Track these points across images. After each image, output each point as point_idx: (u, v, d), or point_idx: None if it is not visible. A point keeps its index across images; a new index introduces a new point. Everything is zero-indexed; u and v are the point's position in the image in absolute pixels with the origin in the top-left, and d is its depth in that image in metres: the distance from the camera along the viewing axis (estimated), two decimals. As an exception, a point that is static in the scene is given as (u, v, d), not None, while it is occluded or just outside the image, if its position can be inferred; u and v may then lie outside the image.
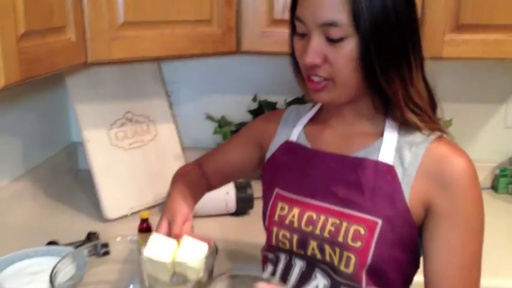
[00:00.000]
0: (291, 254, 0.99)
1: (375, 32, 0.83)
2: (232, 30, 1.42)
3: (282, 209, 0.99)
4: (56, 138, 1.84)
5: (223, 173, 1.18)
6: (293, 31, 0.93)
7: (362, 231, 0.90)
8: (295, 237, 0.96)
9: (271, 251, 1.02)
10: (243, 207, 1.54)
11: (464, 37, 1.35)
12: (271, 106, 1.71)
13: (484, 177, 1.77)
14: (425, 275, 0.91)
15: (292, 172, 1.00)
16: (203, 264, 0.85)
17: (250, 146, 1.14)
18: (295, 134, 1.03)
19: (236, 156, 1.16)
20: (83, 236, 1.36)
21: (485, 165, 1.77)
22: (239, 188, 1.53)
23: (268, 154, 1.07)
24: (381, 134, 0.93)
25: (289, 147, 1.03)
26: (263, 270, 1.04)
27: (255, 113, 1.72)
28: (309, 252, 0.95)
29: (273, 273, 1.01)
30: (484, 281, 0.93)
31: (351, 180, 0.92)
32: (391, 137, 0.92)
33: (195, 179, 1.19)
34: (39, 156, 1.71)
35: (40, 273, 1.19)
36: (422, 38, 1.32)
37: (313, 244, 0.94)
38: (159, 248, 0.87)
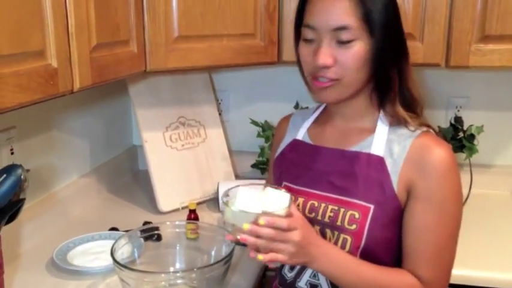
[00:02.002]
0: None
1: (383, 33, 0.94)
2: (274, 43, 1.54)
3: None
4: (119, 141, 1.99)
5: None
6: (297, 39, 1.02)
7: (357, 215, 0.99)
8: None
9: None
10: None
11: (490, 47, 1.40)
12: (312, 113, 1.81)
13: (514, 182, 1.80)
14: (403, 249, 0.99)
15: (297, 166, 1.11)
16: (287, 213, 0.91)
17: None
18: (301, 133, 1.14)
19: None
20: (139, 225, 1.50)
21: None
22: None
23: (278, 152, 1.19)
24: (374, 130, 1.02)
25: (295, 144, 1.14)
26: None
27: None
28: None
29: None
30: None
31: (347, 171, 1.02)
32: (382, 132, 1.01)
33: None
34: (104, 156, 1.87)
35: (102, 253, 1.35)
36: (450, 48, 1.43)
37: (316, 228, 1.03)
38: (248, 200, 0.93)
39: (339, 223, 1.01)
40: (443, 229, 0.97)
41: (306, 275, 1.08)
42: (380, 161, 1.00)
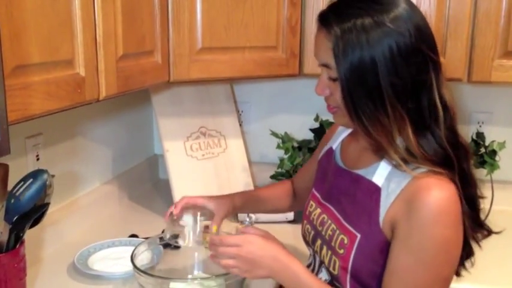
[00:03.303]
0: (309, 246, 1.11)
1: (350, 78, 0.87)
2: (296, 55, 1.55)
3: (311, 206, 1.12)
4: (140, 150, 2.02)
5: (308, 187, 1.22)
6: None
7: (345, 241, 0.97)
8: (312, 233, 1.09)
9: (304, 242, 1.15)
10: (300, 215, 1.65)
11: (513, 63, 1.40)
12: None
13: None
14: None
15: (325, 177, 1.13)
16: None
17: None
18: (336, 143, 1.15)
19: (314, 168, 1.23)
20: (158, 232, 1.52)
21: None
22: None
23: (319, 156, 1.20)
24: (383, 157, 0.94)
25: (329, 154, 1.15)
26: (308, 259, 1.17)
27: (316, 131, 1.83)
28: (315, 248, 1.07)
29: (310, 264, 1.14)
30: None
31: (350, 193, 1.01)
32: (389, 162, 0.93)
33: (271, 192, 1.38)
34: (126, 164, 1.89)
35: (122, 259, 1.37)
36: (472, 63, 1.42)
37: (318, 242, 1.05)
38: None
39: (333, 244, 1.00)
40: (412, 276, 0.88)
41: None
42: (376, 190, 0.94)
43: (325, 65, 0.93)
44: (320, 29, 0.93)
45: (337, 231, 1.00)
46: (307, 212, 1.14)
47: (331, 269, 1.01)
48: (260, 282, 1.29)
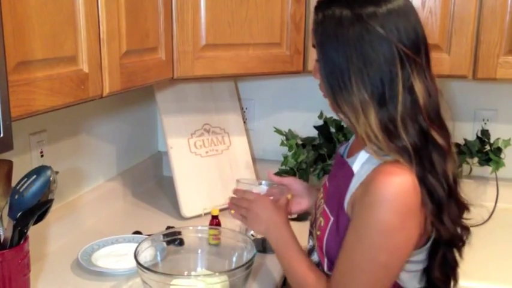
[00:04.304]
0: None
1: (323, 58, 0.96)
2: (300, 52, 1.55)
3: (320, 194, 1.16)
4: (144, 147, 2.03)
5: None
6: None
7: (322, 223, 1.03)
8: (312, 216, 1.16)
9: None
10: (304, 213, 1.64)
11: (518, 60, 1.39)
12: (336, 123, 1.81)
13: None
14: None
15: (333, 167, 1.18)
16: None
17: None
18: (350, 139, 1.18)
19: None
20: (162, 229, 1.52)
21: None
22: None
23: None
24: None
25: (340, 146, 1.20)
26: None
27: (320, 128, 1.83)
28: (313, 230, 1.13)
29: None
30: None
31: (334, 179, 1.08)
32: (366, 151, 0.97)
33: None
34: (130, 161, 1.90)
35: (126, 255, 1.37)
36: (478, 59, 1.42)
37: (314, 224, 1.11)
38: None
39: (316, 225, 1.08)
40: (351, 255, 0.93)
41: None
42: (350, 176, 0.98)
43: (313, 46, 1.00)
44: (315, 10, 1.00)
45: (318, 213, 1.08)
46: (317, 200, 1.19)
47: (316, 250, 1.08)
48: (261, 281, 1.30)
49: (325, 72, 0.96)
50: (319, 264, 1.07)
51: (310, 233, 1.16)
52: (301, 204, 1.31)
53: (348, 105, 0.94)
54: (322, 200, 1.11)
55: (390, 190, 0.88)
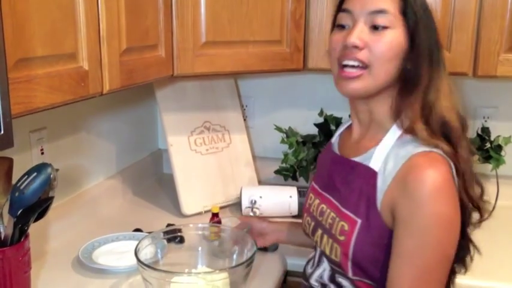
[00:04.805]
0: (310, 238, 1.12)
1: (419, 31, 0.92)
2: (300, 50, 1.55)
3: (311, 198, 1.13)
4: (144, 145, 2.03)
5: None
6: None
7: (346, 227, 0.97)
8: (312, 224, 1.10)
9: (305, 235, 1.16)
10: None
11: (519, 57, 1.38)
12: (336, 121, 1.80)
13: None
14: (387, 277, 0.93)
15: (323, 169, 1.13)
16: None
17: None
18: (335, 137, 1.16)
19: None
20: (163, 226, 1.52)
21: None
22: (301, 193, 1.66)
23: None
24: (380, 142, 0.97)
25: (329, 147, 1.17)
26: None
27: (321, 126, 1.83)
28: (315, 238, 1.08)
29: (312, 257, 1.14)
30: None
31: (348, 181, 1.01)
32: (385, 145, 0.96)
33: None
34: (130, 159, 1.90)
35: (126, 253, 1.36)
36: (478, 57, 1.42)
37: (319, 232, 1.06)
38: None
39: (333, 231, 1.01)
40: (418, 259, 0.89)
41: (316, 274, 1.10)
42: (373, 175, 0.95)
43: (379, 11, 0.93)
44: None
45: (337, 219, 1.01)
46: (307, 205, 1.15)
47: (333, 256, 1.01)
48: (261, 279, 1.30)
49: (421, 36, 0.95)
50: (332, 273, 1.04)
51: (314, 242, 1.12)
52: (266, 240, 1.36)
53: (426, 72, 0.94)
54: (325, 206, 1.06)
55: (437, 182, 0.87)
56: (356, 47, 0.93)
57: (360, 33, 0.93)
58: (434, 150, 0.91)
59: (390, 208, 0.92)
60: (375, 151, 0.97)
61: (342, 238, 0.98)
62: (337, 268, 1.03)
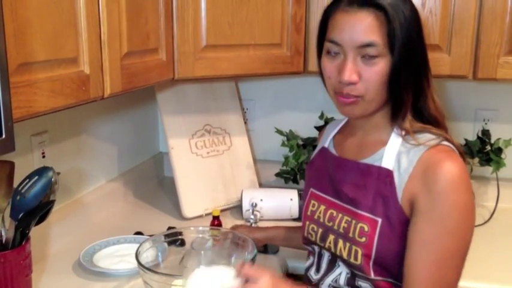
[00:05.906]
0: (317, 245, 1.11)
1: (403, 51, 0.94)
2: (300, 53, 1.55)
3: (313, 205, 1.12)
4: (145, 148, 2.03)
5: None
6: (320, 52, 1.04)
7: (366, 228, 0.99)
8: (319, 231, 1.09)
9: (305, 243, 1.15)
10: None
11: (519, 60, 1.39)
12: (337, 123, 1.81)
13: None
14: (404, 265, 0.96)
15: (322, 174, 1.13)
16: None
17: None
18: (328, 141, 1.16)
19: None
20: (163, 229, 1.51)
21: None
22: (302, 195, 1.66)
23: (311, 158, 1.22)
24: (387, 142, 1.01)
25: (323, 152, 1.17)
26: (307, 260, 1.18)
27: (321, 129, 1.83)
28: (327, 245, 1.07)
29: (312, 264, 1.14)
30: None
31: (359, 183, 1.03)
32: (394, 144, 1.00)
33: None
34: (131, 162, 1.90)
35: (127, 256, 1.37)
36: (478, 60, 1.43)
37: (331, 238, 1.06)
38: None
39: (351, 235, 1.02)
40: (440, 245, 0.93)
41: (329, 279, 1.09)
42: (389, 174, 0.99)
43: (367, 45, 0.94)
44: (360, 8, 0.95)
45: (354, 221, 1.02)
46: (308, 213, 1.14)
47: (352, 260, 1.02)
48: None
49: (402, 62, 0.98)
50: (351, 276, 1.04)
51: (320, 248, 1.12)
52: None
53: (414, 88, 0.99)
54: (334, 211, 1.07)
55: (456, 173, 0.92)
56: (352, 83, 0.97)
57: (352, 69, 0.96)
58: (443, 143, 0.97)
59: (410, 202, 0.96)
60: (384, 152, 1.01)
61: (362, 240, 1.00)
62: (357, 271, 1.03)
